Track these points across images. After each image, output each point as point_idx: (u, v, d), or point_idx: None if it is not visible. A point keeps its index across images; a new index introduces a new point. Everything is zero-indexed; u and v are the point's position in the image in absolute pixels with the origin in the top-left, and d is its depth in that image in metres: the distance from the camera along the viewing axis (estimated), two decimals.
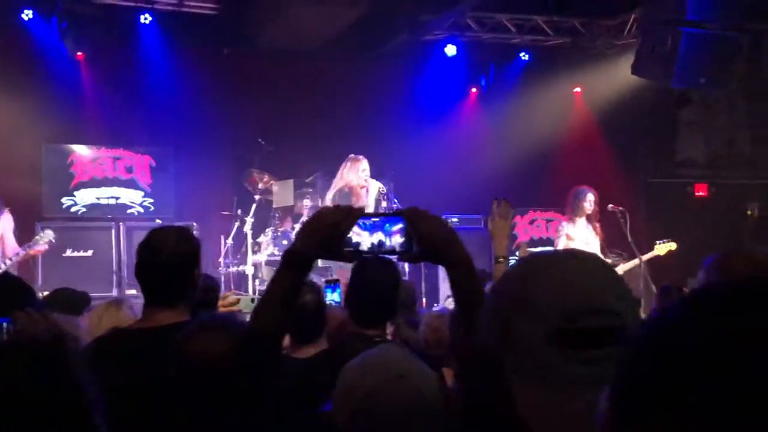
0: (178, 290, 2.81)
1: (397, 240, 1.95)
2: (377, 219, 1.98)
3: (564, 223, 8.58)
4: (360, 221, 1.95)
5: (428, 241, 1.90)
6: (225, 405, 1.87)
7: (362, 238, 1.95)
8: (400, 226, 1.95)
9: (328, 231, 1.95)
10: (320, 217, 2.01)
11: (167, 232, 2.86)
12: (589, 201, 8.38)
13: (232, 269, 9.65)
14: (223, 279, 9.65)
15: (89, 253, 9.27)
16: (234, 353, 1.87)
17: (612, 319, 1.17)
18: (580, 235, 8.37)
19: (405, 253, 1.96)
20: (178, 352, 1.99)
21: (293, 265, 1.99)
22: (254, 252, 9.52)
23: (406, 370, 1.83)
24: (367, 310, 2.95)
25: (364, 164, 8.44)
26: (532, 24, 11.25)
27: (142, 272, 2.83)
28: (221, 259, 9.77)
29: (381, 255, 2.00)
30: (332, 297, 4.24)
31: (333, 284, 4.39)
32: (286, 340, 3.20)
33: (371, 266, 2.97)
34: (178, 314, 2.74)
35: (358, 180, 8.33)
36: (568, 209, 8.55)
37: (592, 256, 1.33)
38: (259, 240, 9.66)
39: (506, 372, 1.20)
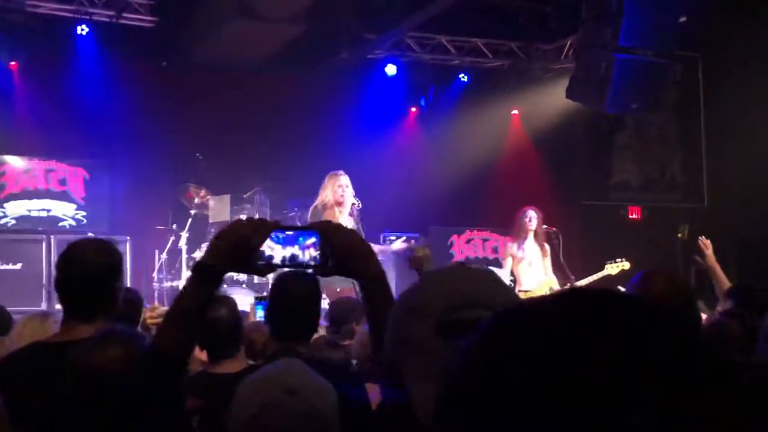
0: (98, 303, 2.76)
1: (311, 254, 1.94)
2: (291, 232, 1.96)
3: (509, 244, 8.70)
4: (273, 234, 1.94)
5: (342, 254, 1.91)
6: (122, 422, 1.84)
7: (275, 251, 1.94)
8: (313, 240, 1.95)
9: (238, 244, 1.92)
10: (231, 229, 1.98)
11: (86, 244, 2.81)
12: (529, 218, 8.50)
13: (167, 284, 9.54)
14: (156, 294, 9.54)
15: (18, 266, 9.06)
16: (131, 368, 1.83)
17: (488, 312, 1.25)
18: (525, 255, 8.47)
19: (319, 266, 1.96)
20: (72, 367, 1.94)
21: (202, 278, 1.95)
22: (189, 267, 9.41)
23: (298, 385, 1.82)
24: (286, 325, 2.94)
25: (342, 179, 7.84)
26: (472, 46, 11.40)
27: (60, 285, 2.78)
28: (155, 274, 9.67)
29: (294, 268, 1.99)
30: (262, 314, 4.22)
31: (263, 300, 4.36)
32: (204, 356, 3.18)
33: (289, 280, 2.97)
34: (96, 328, 2.70)
35: (334, 196, 7.75)
36: (513, 229, 8.68)
37: (482, 268, 1.49)
38: (194, 255, 9.55)
39: (405, 378, 1.27)
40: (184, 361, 2.00)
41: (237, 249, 1.90)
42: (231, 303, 3.07)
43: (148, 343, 1.94)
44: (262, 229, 1.91)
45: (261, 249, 1.89)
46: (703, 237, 5.96)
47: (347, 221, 7.65)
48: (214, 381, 2.81)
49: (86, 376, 1.82)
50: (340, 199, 7.70)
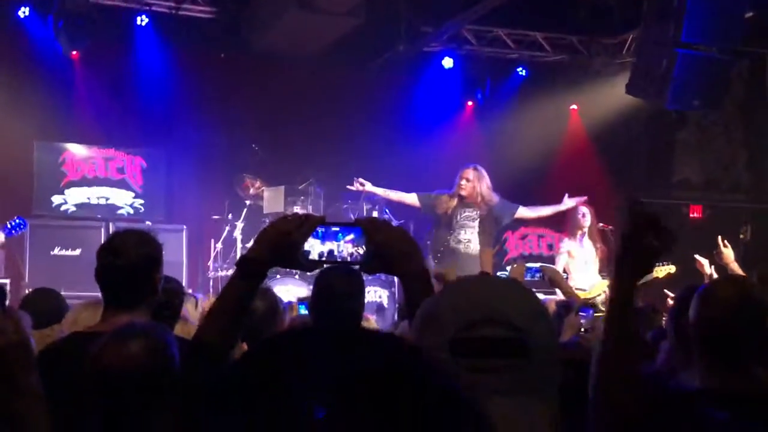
0: (137, 293, 2.79)
1: (349, 249, 1.94)
2: (336, 228, 1.96)
3: (565, 240, 8.58)
4: (317, 230, 1.94)
5: (384, 252, 1.90)
6: (148, 416, 1.84)
7: (314, 246, 1.94)
8: (352, 236, 1.95)
9: (281, 239, 1.93)
10: (275, 225, 2.00)
11: (128, 235, 2.85)
12: (582, 214, 8.39)
13: (222, 273, 9.62)
14: (211, 282, 9.65)
15: (77, 252, 9.24)
16: (153, 362, 1.83)
17: (509, 331, 1.21)
18: (579, 253, 8.36)
19: (359, 262, 1.95)
20: (90, 362, 1.95)
21: (245, 273, 1.99)
22: None
23: None
24: (327, 318, 2.93)
25: (465, 172, 8.18)
26: (531, 39, 11.25)
27: (102, 275, 2.81)
28: (210, 263, 9.77)
29: (331, 264, 1.99)
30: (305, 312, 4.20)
31: (305, 301, 4.36)
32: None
33: (332, 274, 2.95)
34: (137, 317, 2.72)
35: (457, 188, 8.10)
36: (566, 226, 8.59)
37: (505, 279, 1.45)
38: (248, 245, 9.63)
39: None
40: (226, 351, 2.00)
41: (280, 244, 1.92)
42: (270, 296, 3.06)
43: (172, 336, 1.94)
44: (306, 225, 1.92)
45: (304, 245, 1.89)
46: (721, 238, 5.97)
47: (469, 211, 8.01)
48: None
49: (102, 371, 1.82)
50: (460, 191, 8.03)
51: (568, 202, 8.43)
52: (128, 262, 2.75)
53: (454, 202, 8.07)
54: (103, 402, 1.81)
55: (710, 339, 2.49)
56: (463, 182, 8.03)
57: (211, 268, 9.72)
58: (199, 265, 10.00)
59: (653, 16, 8.67)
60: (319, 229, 1.93)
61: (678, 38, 8.29)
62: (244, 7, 10.11)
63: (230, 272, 9.41)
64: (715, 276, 5.80)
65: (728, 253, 5.87)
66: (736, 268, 5.73)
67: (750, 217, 11.51)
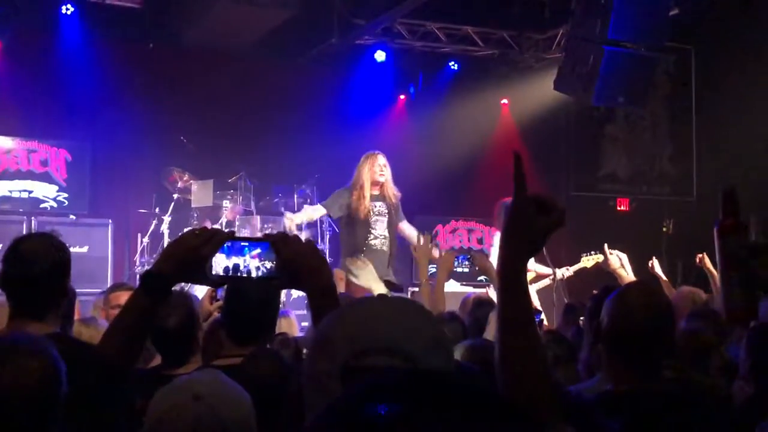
0: (49, 301, 2.73)
1: (254, 264, 1.92)
2: (244, 243, 1.94)
3: (496, 233, 8.63)
4: (225, 245, 1.92)
5: (290, 266, 1.89)
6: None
7: (218, 261, 1.92)
8: (258, 251, 1.93)
9: (188, 254, 1.92)
10: (182, 239, 1.98)
11: (35, 242, 2.77)
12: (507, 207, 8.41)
13: (148, 267, 9.49)
14: (138, 277, 9.49)
15: None
16: (48, 382, 1.79)
17: (403, 361, 1.19)
18: None
19: (271, 278, 1.93)
20: None
21: (150, 287, 1.97)
22: None
23: (205, 392, 1.89)
24: (240, 328, 2.92)
25: (381, 159, 7.36)
26: (462, 34, 11.31)
27: (8, 283, 2.73)
28: (137, 257, 9.62)
29: (235, 279, 1.96)
30: None
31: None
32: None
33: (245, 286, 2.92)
34: (47, 326, 2.66)
35: (371, 176, 7.23)
36: (497, 222, 8.55)
37: (401, 301, 1.37)
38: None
39: (307, 409, 1.23)
40: (127, 368, 1.99)
41: (186, 259, 1.91)
42: (185, 308, 3.02)
43: (57, 350, 1.90)
44: (213, 240, 1.89)
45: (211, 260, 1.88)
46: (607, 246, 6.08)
47: (380, 204, 7.29)
48: (163, 383, 2.78)
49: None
50: (379, 178, 7.27)
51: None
52: (39, 271, 2.68)
53: (365, 194, 7.21)
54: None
55: (620, 343, 2.56)
56: (382, 170, 7.28)
57: (137, 262, 9.57)
58: (125, 259, 9.82)
59: (581, 13, 8.79)
60: (226, 244, 1.92)
61: (605, 35, 8.42)
62: None
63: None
64: (628, 272, 5.90)
65: (614, 260, 5.99)
66: (623, 274, 5.86)
67: (675, 210, 11.80)
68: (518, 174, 1.65)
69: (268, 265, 1.91)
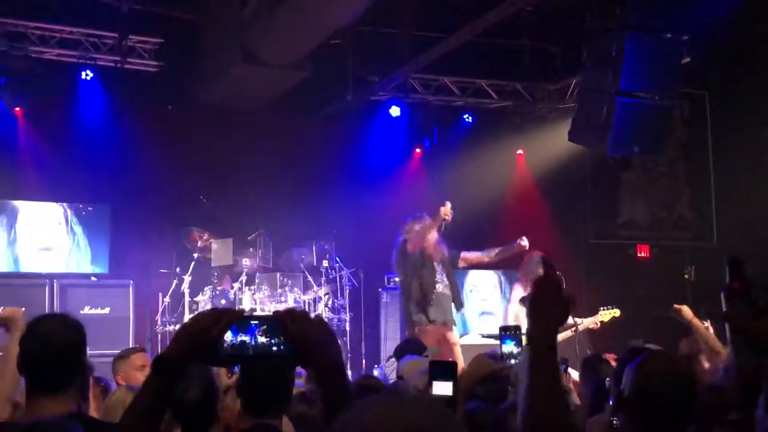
0: (66, 379, 2.77)
1: (261, 340, 1.93)
2: (254, 321, 1.95)
3: (519, 288, 8.51)
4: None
5: (298, 343, 1.89)
6: None
7: (227, 338, 1.92)
8: (266, 327, 1.93)
9: (198, 336, 1.93)
10: (193, 321, 1.99)
11: (53, 321, 2.83)
12: (538, 262, 8.31)
13: (170, 328, 9.52)
14: (159, 337, 9.53)
15: (21, 310, 9.03)
16: None
17: None
18: None
19: (281, 355, 1.93)
20: None
21: (162, 371, 1.97)
22: (191, 311, 9.42)
23: None
24: (256, 401, 2.94)
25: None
26: (476, 86, 11.41)
27: (29, 363, 2.78)
28: (158, 317, 9.65)
29: (241, 356, 1.96)
30: None
31: None
32: None
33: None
34: (63, 404, 2.70)
35: (444, 218, 8.09)
36: (522, 275, 8.49)
37: (423, 404, 1.26)
38: (197, 299, 9.56)
39: None
40: None
41: (197, 342, 1.91)
42: (205, 381, 3.03)
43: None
44: (223, 321, 1.91)
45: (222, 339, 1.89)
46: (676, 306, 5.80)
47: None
48: None
49: None
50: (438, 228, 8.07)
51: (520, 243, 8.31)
52: (56, 350, 2.73)
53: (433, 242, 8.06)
54: None
55: (640, 413, 2.55)
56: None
57: (159, 322, 9.60)
58: (146, 319, 9.86)
59: (592, 64, 8.83)
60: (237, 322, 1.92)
61: (617, 86, 8.44)
62: (189, 60, 10.12)
63: (178, 327, 9.44)
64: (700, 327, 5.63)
65: (686, 311, 5.71)
66: (699, 324, 5.59)
67: (696, 256, 11.71)
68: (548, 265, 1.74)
69: (276, 341, 1.91)
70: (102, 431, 2.48)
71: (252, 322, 1.94)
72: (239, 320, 1.93)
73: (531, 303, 1.90)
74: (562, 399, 1.64)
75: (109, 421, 3.03)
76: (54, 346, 2.73)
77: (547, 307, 1.87)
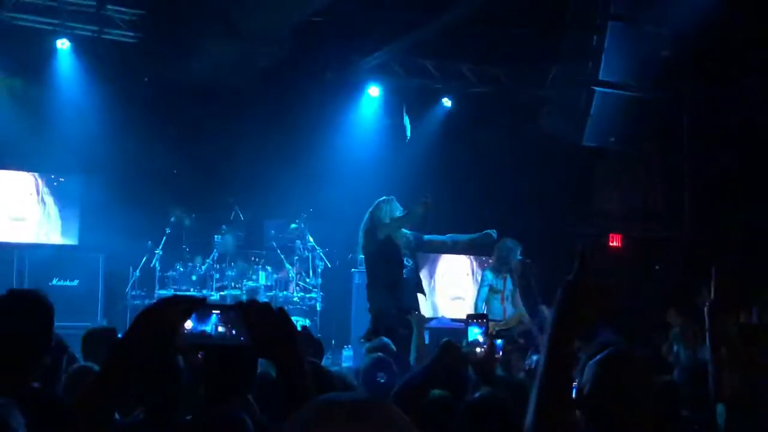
0: (29, 357, 2.74)
1: (220, 329, 1.91)
2: (216, 310, 1.93)
3: (488, 274, 8.50)
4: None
5: (258, 335, 1.88)
6: None
7: (186, 326, 1.91)
8: (226, 317, 1.92)
9: (157, 324, 1.90)
10: (152, 308, 1.96)
11: (18, 299, 2.78)
12: (509, 250, 8.35)
13: (139, 302, 9.47)
14: (129, 310, 9.47)
15: None
16: None
17: None
18: (503, 288, 8.34)
19: (236, 346, 1.92)
20: None
21: (120, 357, 1.95)
22: (162, 286, 9.39)
23: None
24: (219, 387, 2.94)
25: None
26: (456, 70, 11.37)
27: None
28: (128, 290, 9.59)
29: (206, 347, 1.95)
30: None
31: None
32: None
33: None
34: (15, 382, 2.67)
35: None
36: (496, 260, 8.49)
37: (377, 421, 1.20)
38: (167, 273, 9.52)
39: None
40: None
41: (156, 328, 1.88)
42: (166, 363, 3.02)
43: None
44: (184, 309, 1.89)
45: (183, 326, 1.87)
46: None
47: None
48: None
49: None
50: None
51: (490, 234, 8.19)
52: (21, 329, 2.69)
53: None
54: None
55: (600, 407, 2.57)
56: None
57: (128, 295, 9.55)
58: (116, 293, 9.79)
59: (571, 53, 8.84)
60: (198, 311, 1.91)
61: (596, 76, 8.47)
62: (168, 33, 9.98)
63: (147, 301, 9.39)
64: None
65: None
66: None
67: (666, 247, 11.80)
68: (582, 261, 1.70)
69: (236, 333, 1.90)
70: (53, 411, 2.46)
71: (213, 311, 1.93)
72: (200, 309, 1.91)
73: (558, 311, 1.78)
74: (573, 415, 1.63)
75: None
76: (19, 326, 2.68)
77: (577, 316, 1.75)
